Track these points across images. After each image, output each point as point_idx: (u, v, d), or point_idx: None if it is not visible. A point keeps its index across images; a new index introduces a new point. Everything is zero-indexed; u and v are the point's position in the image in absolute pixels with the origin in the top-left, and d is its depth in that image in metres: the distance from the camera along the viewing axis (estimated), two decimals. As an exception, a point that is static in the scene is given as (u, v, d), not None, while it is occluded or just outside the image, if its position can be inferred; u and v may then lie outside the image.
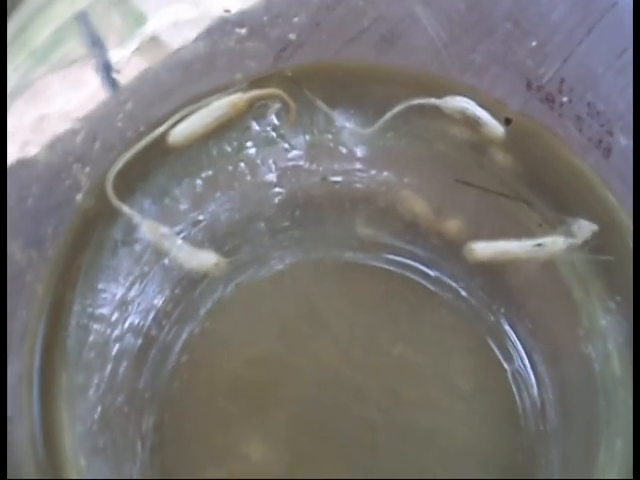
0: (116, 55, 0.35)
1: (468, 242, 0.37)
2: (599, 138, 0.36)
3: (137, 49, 0.35)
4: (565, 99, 0.36)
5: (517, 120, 0.37)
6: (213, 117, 0.37)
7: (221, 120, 0.37)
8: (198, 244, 0.37)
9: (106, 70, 0.35)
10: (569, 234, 0.36)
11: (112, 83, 0.35)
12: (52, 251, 0.35)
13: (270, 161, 0.38)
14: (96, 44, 0.35)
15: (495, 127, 0.38)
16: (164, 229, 0.36)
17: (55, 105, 0.32)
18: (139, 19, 0.33)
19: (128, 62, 0.35)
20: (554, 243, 0.36)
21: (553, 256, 0.36)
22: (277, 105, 0.38)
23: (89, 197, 0.36)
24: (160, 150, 0.37)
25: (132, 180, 0.37)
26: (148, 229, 0.36)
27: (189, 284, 0.37)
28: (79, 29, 0.34)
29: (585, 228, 0.36)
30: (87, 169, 0.36)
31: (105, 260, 0.37)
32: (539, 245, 0.36)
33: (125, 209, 0.36)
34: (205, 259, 0.36)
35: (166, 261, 0.37)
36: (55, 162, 0.34)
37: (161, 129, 0.37)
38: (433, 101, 0.38)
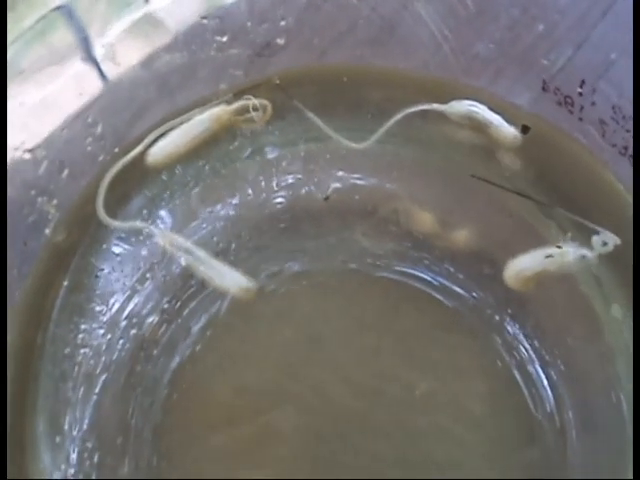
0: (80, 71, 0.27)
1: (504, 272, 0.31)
2: (624, 144, 0.30)
3: (102, 62, 0.28)
4: (586, 102, 0.30)
5: (532, 123, 0.31)
6: (196, 133, 0.31)
7: (204, 135, 0.32)
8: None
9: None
10: (586, 245, 0.30)
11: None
12: (18, 294, 0.29)
13: (266, 176, 0.33)
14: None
15: (509, 132, 0.31)
16: (180, 240, 0.31)
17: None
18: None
19: (94, 79, 0.29)
20: (562, 255, 0.30)
21: (563, 269, 0.30)
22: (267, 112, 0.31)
23: (60, 230, 0.31)
24: (139, 172, 0.31)
25: (110, 206, 0.31)
26: (164, 241, 0.31)
27: (179, 304, 0.32)
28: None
29: (608, 241, 0.30)
30: (55, 201, 0.30)
31: (85, 291, 0.31)
32: (550, 256, 0.30)
33: (138, 224, 0.31)
34: (235, 280, 0.31)
35: (153, 281, 0.32)
36: (14, 197, 0.29)
37: (139, 148, 0.31)
38: (437, 107, 0.32)
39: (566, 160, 0.31)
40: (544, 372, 0.31)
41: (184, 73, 0.31)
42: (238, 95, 0.31)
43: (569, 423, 0.31)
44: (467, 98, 0.31)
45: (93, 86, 0.28)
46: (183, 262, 0.31)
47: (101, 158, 0.30)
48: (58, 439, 0.29)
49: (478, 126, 0.31)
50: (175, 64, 0.30)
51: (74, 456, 0.29)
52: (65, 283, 0.31)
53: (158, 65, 0.30)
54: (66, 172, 0.30)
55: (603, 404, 0.31)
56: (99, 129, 0.30)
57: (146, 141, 0.30)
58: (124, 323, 0.31)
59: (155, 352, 0.31)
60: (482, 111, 0.31)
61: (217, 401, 0.31)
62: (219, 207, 0.32)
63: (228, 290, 0.31)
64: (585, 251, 0.30)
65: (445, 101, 0.31)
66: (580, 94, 0.29)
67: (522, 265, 0.31)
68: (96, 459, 0.29)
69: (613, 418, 0.30)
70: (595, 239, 0.30)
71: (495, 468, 0.30)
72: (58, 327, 0.30)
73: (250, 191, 0.32)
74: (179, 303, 0.32)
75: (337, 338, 0.31)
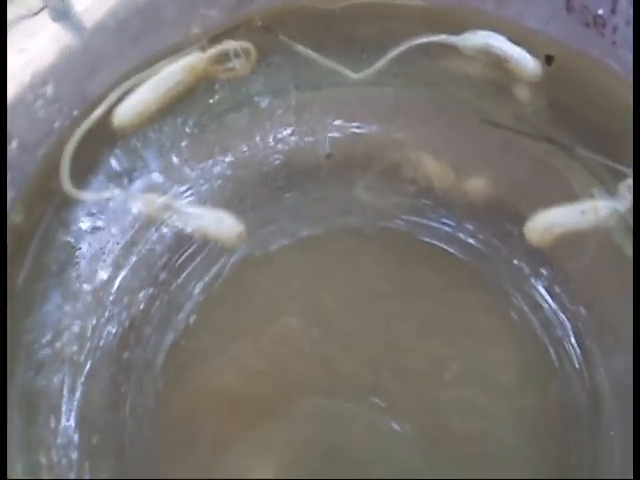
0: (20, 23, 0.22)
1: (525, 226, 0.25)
2: None
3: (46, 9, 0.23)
4: (621, 20, 0.23)
5: (553, 51, 0.25)
6: (167, 86, 0.25)
7: (178, 89, 0.25)
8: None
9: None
10: (615, 195, 0.25)
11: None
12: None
13: (259, 129, 0.27)
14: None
15: (530, 65, 0.25)
16: (164, 199, 0.26)
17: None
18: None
19: (41, 31, 0.23)
20: (595, 210, 0.25)
21: (598, 225, 0.25)
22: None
23: (18, 209, 0.25)
24: (106, 136, 0.25)
25: (75, 178, 0.25)
26: (146, 204, 0.25)
27: (169, 276, 0.27)
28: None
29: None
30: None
31: (58, 274, 0.26)
32: (584, 213, 0.25)
33: (111, 193, 0.25)
34: (229, 227, 0.26)
35: (137, 254, 0.27)
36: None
37: (102, 108, 0.24)
38: (447, 39, 0.25)
39: (595, 92, 0.25)
40: (574, 331, 0.26)
41: (146, 16, 0.25)
42: (214, 40, 0.25)
43: (601, 382, 0.26)
44: (478, 27, 0.25)
45: (37, 39, 0.20)
46: (176, 225, 0.26)
47: (58, 124, 0.25)
48: (33, 434, 0.25)
49: (495, 61, 0.25)
50: (135, 5, 0.24)
51: (53, 451, 0.25)
52: (33, 266, 0.25)
53: (115, 10, 0.23)
54: (15, 143, 0.24)
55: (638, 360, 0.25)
56: (49, 90, 0.24)
57: (109, 99, 0.25)
58: (110, 301, 0.26)
59: (146, 331, 0.26)
60: (501, 43, 0.25)
61: (214, 384, 0.26)
62: (209, 166, 0.27)
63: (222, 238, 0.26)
64: (618, 203, 0.25)
65: (453, 32, 0.26)
66: (613, 12, 0.21)
67: (550, 221, 0.25)
68: (75, 456, 0.25)
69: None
70: (622, 186, 0.25)
71: (524, 439, 0.26)
72: (31, 313, 0.25)
73: (245, 147, 0.27)
74: (169, 275, 0.27)
75: (341, 307, 0.26)
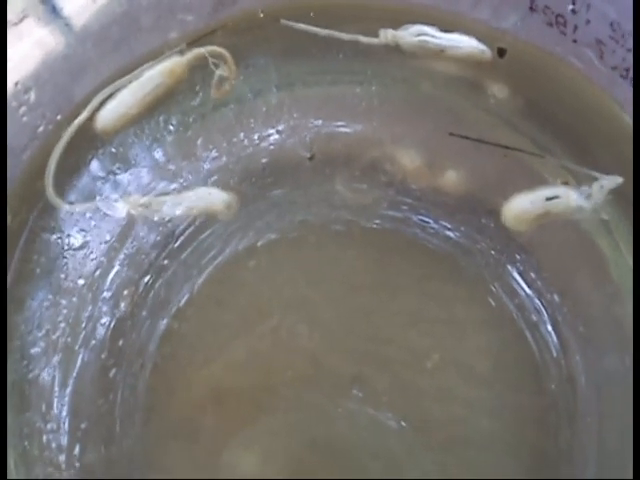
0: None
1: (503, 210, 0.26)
2: (626, 66, 0.24)
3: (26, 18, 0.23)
4: (581, 20, 0.24)
5: (518, 50, 0.26)
6: (147, 90, 0.26)
7: (158, 91, 0.26)
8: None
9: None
10: (585, 193, 0.25)
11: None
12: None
13: (242, 128, 0.28)
14: None
15: (479, 50, 0.26)
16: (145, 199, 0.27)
17: None
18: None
19: (22, 38, 0.24)
20: (567, 197, 0.26)
21: (567, 213, 0.26)
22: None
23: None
24: (89, 139, 0.26)
25: (58, 180, 0.26)
26: (131, 205, 0.26)
27: (158, 270, 0.28)
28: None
29: (607, 186, 0.25)
30: (-8, 181, 0.24)
31: (44, 274, 0.27)
32: (556, 197, 0.26)
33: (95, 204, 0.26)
34: (216, 198, 0.27)
35: (125, 249, 0.28)
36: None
37: (85, 114, 0.25)
38: (362, 40, 0.26)
39: (560, 87, 0.26)
40: (550, 318, 0.27)
41: (126, 23, 0.25)
42: (192, 44, 0.26)
43: (577, 370, 0.27)
44: (452, 28, 0.26)
45: (18, 47, 0.21)
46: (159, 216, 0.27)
47: (42, 129, 0.25)
48: (24, 420, 0.26)
49: (437, 54, 0.26)
50: (114, 14, 0.25)
51: (43, 437, 0.26)
52: (21, 264, 0.27)
53: (95, 18, 0.25)
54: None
55: (612, 347, 0.27)
56: (32, 96, 0.25)
57: (92, 104, 0.25)
58: (102, 295, 0.27)
59: (137, 321, 0.27)
60: (434, 36, 0.25)
61: (200, 377, 0.27)
62: (193, 163, 0.28)
63: (212, 209, 0.26)
64: (587, 203, 0.26)
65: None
66: (573, 11, 0.22)
67: (524, 205, 0.26)
68: (65, 441, 0.25)
69: (623, 361, 0.26)
70: (596, 186, 0.25)
71: (503, 425, 0.27)
72: (23, 309, 0.26)
73: (227, 145, 0.28)
74: (158, 267, 0.28)
75: (325, 301, 0.27)
